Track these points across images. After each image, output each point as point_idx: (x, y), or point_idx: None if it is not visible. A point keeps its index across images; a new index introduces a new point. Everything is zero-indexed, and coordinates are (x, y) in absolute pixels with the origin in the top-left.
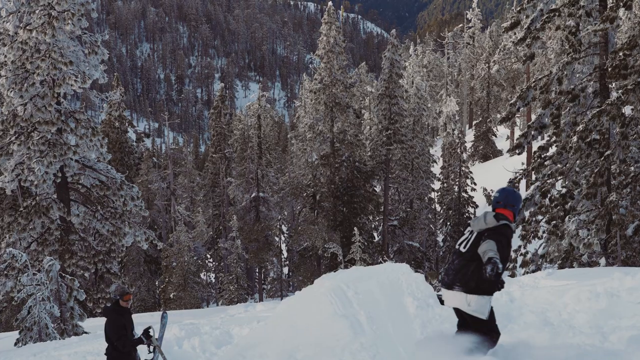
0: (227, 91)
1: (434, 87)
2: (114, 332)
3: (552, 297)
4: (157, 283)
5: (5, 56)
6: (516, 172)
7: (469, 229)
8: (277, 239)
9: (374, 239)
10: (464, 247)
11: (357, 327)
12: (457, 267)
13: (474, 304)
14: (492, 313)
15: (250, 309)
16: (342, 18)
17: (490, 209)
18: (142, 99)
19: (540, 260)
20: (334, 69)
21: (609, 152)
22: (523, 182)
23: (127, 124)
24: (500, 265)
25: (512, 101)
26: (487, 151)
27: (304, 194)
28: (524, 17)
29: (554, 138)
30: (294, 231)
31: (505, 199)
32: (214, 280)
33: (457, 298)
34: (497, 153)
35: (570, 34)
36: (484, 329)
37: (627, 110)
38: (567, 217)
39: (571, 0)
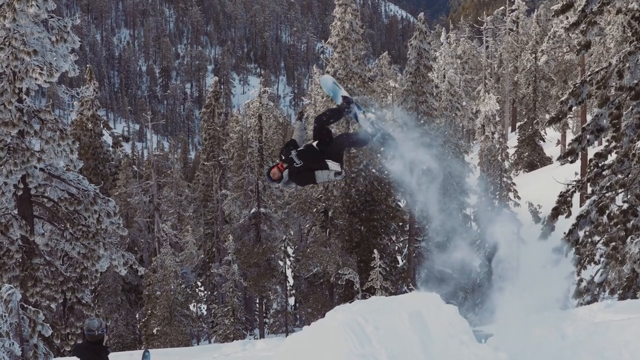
0: (222, 86)
1: (469, 82)
2: None
3: (611, 334)
4: (137, 316)
5: None
6: (568, 184)
7: None
8: (281, 263)
9: (398, 263)
10: None
11: None
12: None
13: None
14: None
15: (249, 347)
16: None
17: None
18: (120, 95)
19: (597, 289)
20: (350, 59)
21: None
22: (577, 196)
23: (102, 126)
24: None
25: (563, 98)
26: (533, 159)
27: (314, 210)
28: None
29: (613, 143)
30: (302, 254)
31: None
32: (205, 313)
33: None
34: (546, 161)
35: (634, 19)
36: None
37: None
38: (629, 238)
39: None
